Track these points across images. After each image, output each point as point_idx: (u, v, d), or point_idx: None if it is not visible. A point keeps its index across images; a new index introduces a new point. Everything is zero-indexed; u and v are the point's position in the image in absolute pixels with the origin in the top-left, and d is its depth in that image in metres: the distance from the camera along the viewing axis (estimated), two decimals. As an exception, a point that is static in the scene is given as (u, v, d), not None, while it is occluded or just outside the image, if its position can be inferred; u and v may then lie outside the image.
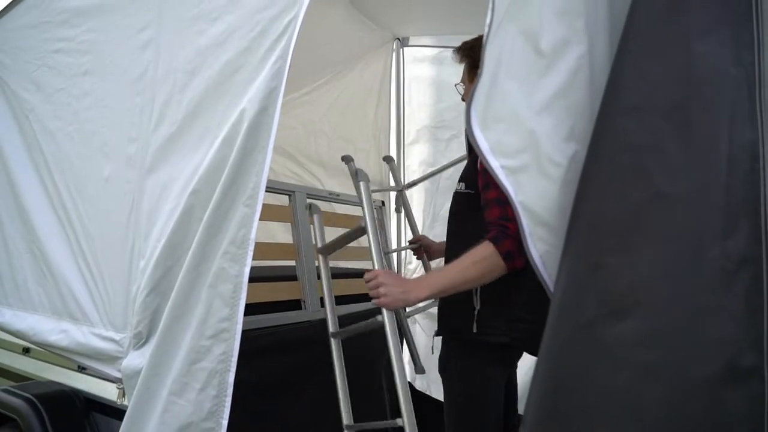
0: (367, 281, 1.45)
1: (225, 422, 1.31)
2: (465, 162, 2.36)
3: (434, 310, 2.70)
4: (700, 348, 0.77)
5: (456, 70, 2.80)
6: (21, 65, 2.22)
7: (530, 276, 1.36)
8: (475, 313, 1.54)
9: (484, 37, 0.94)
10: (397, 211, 3.05)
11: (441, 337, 1.73)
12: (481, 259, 1.36)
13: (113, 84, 1.80)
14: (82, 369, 2.07)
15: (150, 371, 1.40)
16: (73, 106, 1.93)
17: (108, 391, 1.99)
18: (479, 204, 1.45)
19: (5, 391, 2.09)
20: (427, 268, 2.49)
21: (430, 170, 2.98)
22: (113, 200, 1.71)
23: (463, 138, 2.79)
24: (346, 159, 2.02)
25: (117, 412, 1.96)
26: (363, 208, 1.57)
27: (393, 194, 3.07)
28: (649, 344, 0.78)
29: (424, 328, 2.88)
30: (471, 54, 1.75)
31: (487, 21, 0.94)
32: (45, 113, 2.05)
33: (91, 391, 2.05)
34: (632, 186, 0.84)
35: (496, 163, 0.95)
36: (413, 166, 3.07)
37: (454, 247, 1.71)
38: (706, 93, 0.83)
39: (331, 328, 1.84)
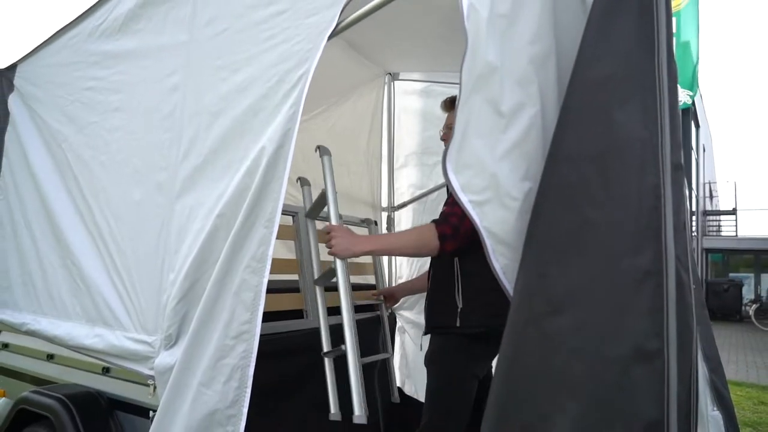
0: (325, 234, 1.80)
1: (245, 410, 1.56)
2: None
3: (421, 319, 3.00)
4: (615, 336, 1.05)
5: (438, 102, 3.13)
6: (54, 99, 2.48)
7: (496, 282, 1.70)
8: (458, 310, 1.87)
9: (456, 107, 1.22)
10: (388, 229, 3.33)
11: (428, 336, 2.01)
12: (420, 232, 1.83)
13: (143, 121, 2.07)
14: (105, 372, 2.31)
15: (182, 366, 1.64)
16: (105, 138, 2.19)
17: (130, 391, 2.22)
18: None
19: (36, 392, 2.31)
20: (382, 315, 2.84)
21: (418, 192, 3.26)
22: (144, 221, 1.96)
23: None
24: (303, 181, 2.40)
25: (137, 410, 2.20)
26: (325, 179, 1.88)
27: (384, 216, 3.36)
28: (578, 333, 1.06)
29: (412, 337, 3.13)
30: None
31: (458, 95, 1.22)
32: (78, 143, 2.30)
33: (114, 391, 2.28)
34: (567, 215, 1.12)
35: (465, 198, 1.23)
36: (402, 188, 3.35)
37: (439, 257, 1.98)
38: (621, 149, 1.12)
39: (316, 275, 2.24)
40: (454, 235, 1.77)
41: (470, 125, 1.20)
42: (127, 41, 2.20)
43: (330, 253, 1.78)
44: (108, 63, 2.25)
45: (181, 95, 1.95)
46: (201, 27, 1.93)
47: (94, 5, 2.39)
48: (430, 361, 1.97)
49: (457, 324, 1.87)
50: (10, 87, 2.76)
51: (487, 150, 1.21)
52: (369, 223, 2.90)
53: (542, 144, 1.26)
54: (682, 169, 1.15)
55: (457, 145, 1.18)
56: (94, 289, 2.06)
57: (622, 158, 1.12)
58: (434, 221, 1.82)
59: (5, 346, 2.85)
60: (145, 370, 1.85)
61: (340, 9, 1.59)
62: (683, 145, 1.25)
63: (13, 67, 2.78)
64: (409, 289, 2.84)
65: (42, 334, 2.25)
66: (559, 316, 1.09)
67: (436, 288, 2.03)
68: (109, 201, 2.11)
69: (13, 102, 2.72)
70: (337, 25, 1.61)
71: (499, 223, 1.23)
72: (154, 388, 1.84)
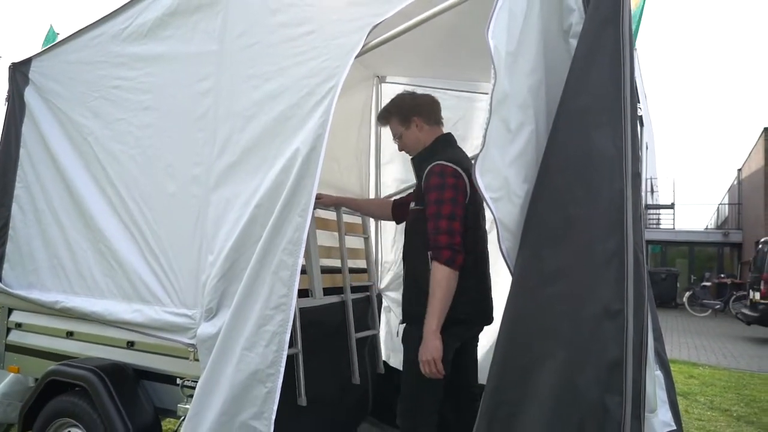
0: (429, 371, 2.02)
1: (282, 369, 1.86)
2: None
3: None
4: (590, 300, 1.43)
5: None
6: (77, 95, 2.66)
7: (473, 270, 2.08)
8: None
9: (485, 125, 1.55)
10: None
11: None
12: (440, 280, 2.00)
13: (175, 120, 2.31)
14: (130, 345, 2.54)
15: (226, 334, 1.92)
16: (134, 134, 2.41)
17: (154, 362, 2.47)
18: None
19: (66, 365, 2.52)
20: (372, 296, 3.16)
21: (402, 186, 3.60)
22: (179, 210, 2.22)
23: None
24: None
25: (163, 377, 2.46)
26: None
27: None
28: (564, 298, 1.44)
29: (397, 315, 3.48)
30: (391, 114, 2.39)
31: (486, 115, 1.57)
32: (105, 137, 2.51)
33: (138, 363, 2.52)
34: (556, 211, 1.49)
35: (487, 195, 1.58)
36: (388, 182, 3.67)
37: (412, 253, 2.27)
38: (597, 161, 1.49)
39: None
40: (451, 247, 1.99)
41: (491, 139, 1.55)
42: (155, 46, 2.42)
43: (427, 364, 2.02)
44: (136, 65, 2.46)
45: (213, 99, 2.21)
46: (232, 39, 2.19)
47: (116, 10, 2.59)
48: (405, 339, 2.24)
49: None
50: (25, 80, 2.91)
51: (500, 158, 1.57)
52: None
53: (536, 155, 1.63)
54: (639, 177, 1.54)
55: (483, 154, 1.55)
56: (130, 269, 2.30)
57: (597, 169, 1.50)
58: (431, 256, 2.02)
59: (18, 325, 3.01)
60: (185, 339, 2.12)
61: (366, 35, 1.89)
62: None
63: (27, 62, 2.92)
64: (349, 203, 3.00)
65: (77, 311, 2.46)
66: (550, 286, 1.46)
67: (411, 281, 2.24)
68: (142, 192, 2.34)
69: (29, 95, 2.87)
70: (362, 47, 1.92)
71: (507, 215, 1.60)
72: (195, 355, 2.12)
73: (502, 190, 1.58)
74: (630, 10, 1.58)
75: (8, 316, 3.05)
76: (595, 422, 1.37)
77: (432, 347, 2.00)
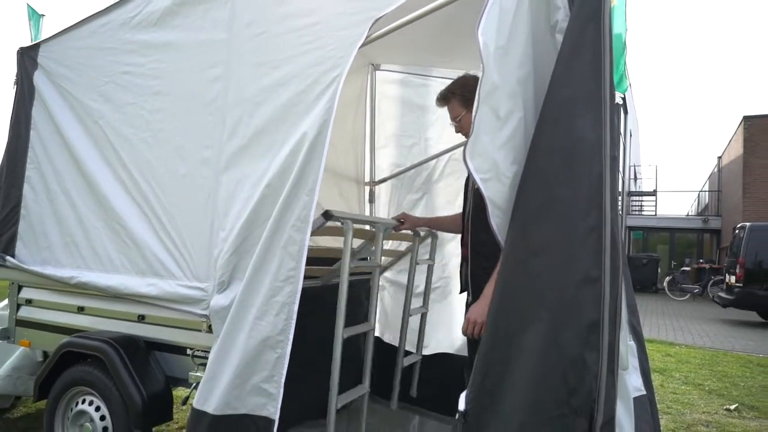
0: (468, 330, 2.09)
1: (291, 336, 2.02)
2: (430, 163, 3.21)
3: (401, 278, 3.50)
4: (573, 269, 1.61)
5: (415, 91, 3.60)
6: (87, 80, 2.77)
7: None
8: None
9: (473, 113, 1.72)
10: (370, 201, 3.82)
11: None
12: None
13: (185, 105, 2.43)
14: (141, 319, 2.69)
15: (239, 304, 2.08)
16: (145, 118, 2.54)
17: (164, 334, 2.62)
18: None
19: (80, 337, 2.66)
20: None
21: (396, 170, 3.76)
22: (191, 190, 2.35)
23: (422, 146, 3.61)
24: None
25: (173, 348, 2.61)
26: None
27: (367, 189, 3.84)
28: (549, 268, 1.61)
29: (391, 294, 3.66)
30: (455, 95, 2.43)
31: (474, 105, 1.73)
32: (116, 121, 2.63)
33: (148, 335, 2.67)
34: (542, 190, 1.67)
35: (477, 177, 1.75)
36: (383, 165, 3.82)
37: (480, 229, 2.22)
38: (578, 145, 1.66)
39: None
40: None
41: (480, 126, 1.72)
42: (164, 34, 2.54)
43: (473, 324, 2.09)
44: (146, 52, 2.58)
45: (222, 85, 2.34)
46: (240, 28, 2.31)
47: (125, -2, 2.69)
48: None
49: None
50: (34, 65, 3.00)
51: (490, 143, 1.74)
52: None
53: (525, 139, 1.80)
54: (617, 160, 1.72)
55: (472, 139, 1.71)
56: (144, 246, 2.44)
57: (579, 152, 1.67)
58: None
59: (29, 301, 3.14)
60: (198, 311, 2.28)
61: (368, 27, 2.03)
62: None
63: (36, 47, 3.02)
64: (431, 222, 2.98)
65: (92, 286, 2.59)
66: (536, 258, 1.64)
67: (480, 259, 2.27)
68: (154, 173, 2.47)
69: (38, 79, 2.97)
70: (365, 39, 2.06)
71: (497, 194, 1.77)
72: (207, 325, 2.27)
73: (491, 171, 1.76)
74: (610, 8, 1.74)
75: (18, 293, 3.18)
76: (575, 375, 1.56)
77: (484, 310, 1.93)
